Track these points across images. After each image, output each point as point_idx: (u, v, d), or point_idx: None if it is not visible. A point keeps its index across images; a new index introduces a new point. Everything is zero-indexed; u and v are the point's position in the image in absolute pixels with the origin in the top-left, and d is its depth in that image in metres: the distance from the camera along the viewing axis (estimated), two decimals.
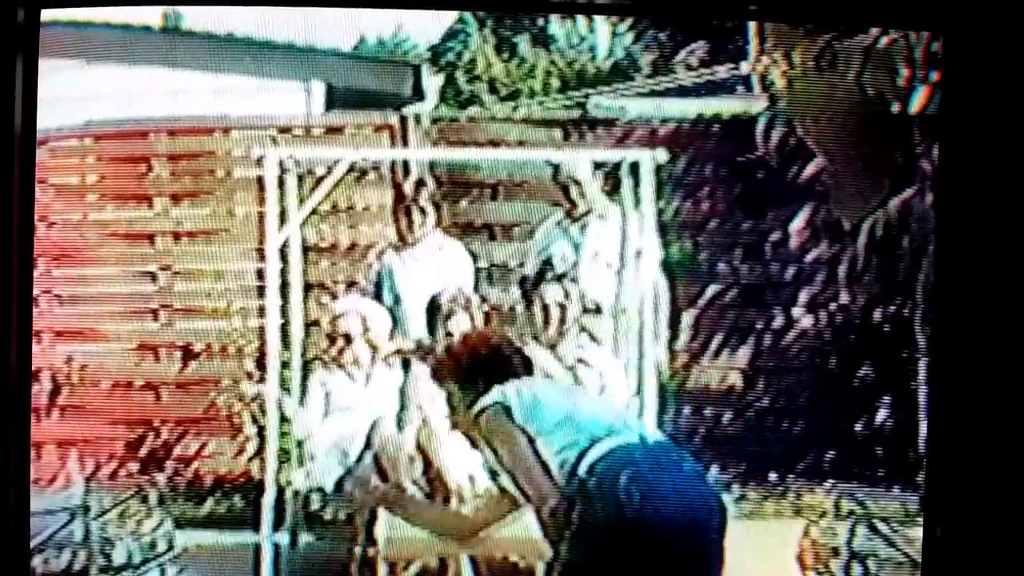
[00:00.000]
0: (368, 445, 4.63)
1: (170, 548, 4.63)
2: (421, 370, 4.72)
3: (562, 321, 4.78)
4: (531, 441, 3.52)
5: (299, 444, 4.74)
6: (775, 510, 4.83)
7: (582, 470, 3.43)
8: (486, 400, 3.60)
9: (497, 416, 3.57)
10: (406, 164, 5.05)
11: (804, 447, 4.87)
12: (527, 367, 3.81)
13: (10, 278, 4.17)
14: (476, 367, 3.73)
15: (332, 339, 4.75)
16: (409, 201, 4.95)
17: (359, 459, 4.63)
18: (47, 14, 4.29)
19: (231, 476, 4.87)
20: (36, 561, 4.48)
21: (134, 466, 4.81)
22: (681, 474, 3.47)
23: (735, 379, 5.02)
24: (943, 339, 4.36)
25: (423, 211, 4.94)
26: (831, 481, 4.78)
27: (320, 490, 4.67)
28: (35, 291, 4.79)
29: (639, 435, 3.52)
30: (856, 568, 4.60)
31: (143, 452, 4.85)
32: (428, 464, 4.62)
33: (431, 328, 4.76)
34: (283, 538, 4.65)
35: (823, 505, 4.75)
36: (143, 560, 4.60)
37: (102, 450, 4.80)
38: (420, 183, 4.99)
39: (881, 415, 4.84)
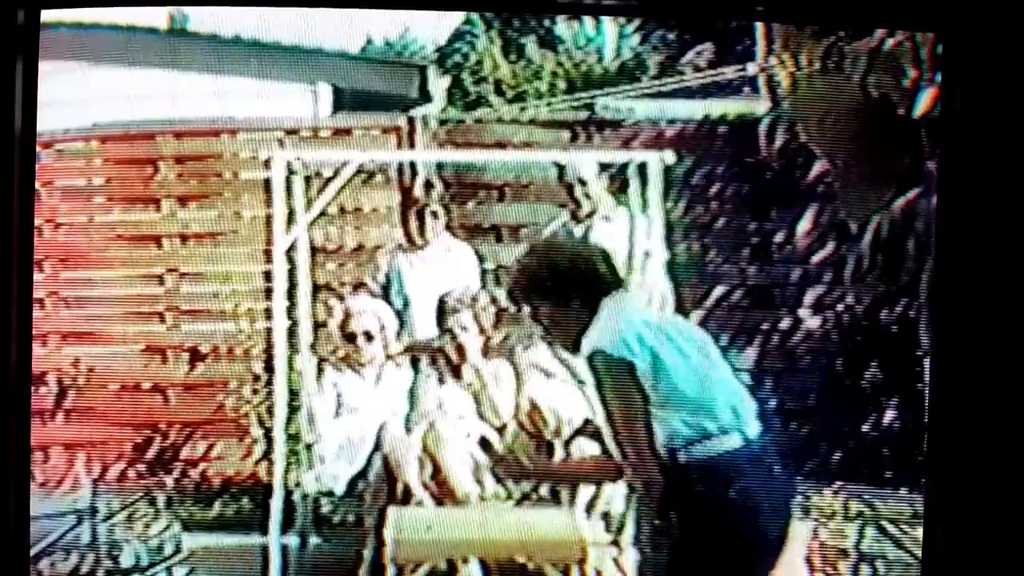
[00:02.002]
0: (377, 447, 4.63)
1: (178, 551, 4.63)
2: (430, 371, 4.73)
3: None
4: (646, 407, 3.38)
5: (308, 447, 4.74)
6: None
7: (683, 458, 3.36)
8: (605, 342, 3.40)
9: (619, 371, 3.37)
10: (413, 166, 5.05)
11: (812, 448, 4.87)
12: (616, 279, 3.59)
13: (10, 280, 4.17)
14: (561, 281, 3.52)
15: (351, 337, 4.74)
16: (420, 204, 4.95)
17: (368, 461, 4.62)
18: (50, 15, 4.28)
19: (239, 478, 4.87)
20: (43, 564, 4.48)
21: (142, 468, 4.80)
22: (773, 486, 3.46)
23: (741, 380, 5.01)
24: (947, 340, 4.36)
25: (435, 214, 4.94)
26: (839, 482, 4.78)
27: (330, 493, 4.66)
28: (42, 294, 4.82)
29: (745, 437, 3.41)
30: (865, 570, 4.60)
31: (151, 454, 4.84)
32: (436, 468, 4.62)
33: (440, 328, 4.75)
34: (291, 540, 4.65)
35: (832, 506, 4.75)
36: (151, 563, 4.60)
37: (109, 452, 4.79)
38: (429, 185, 4.98)
39: (889, 416, 4.85)
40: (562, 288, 3.51)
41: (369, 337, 4.74)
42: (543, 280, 3.53)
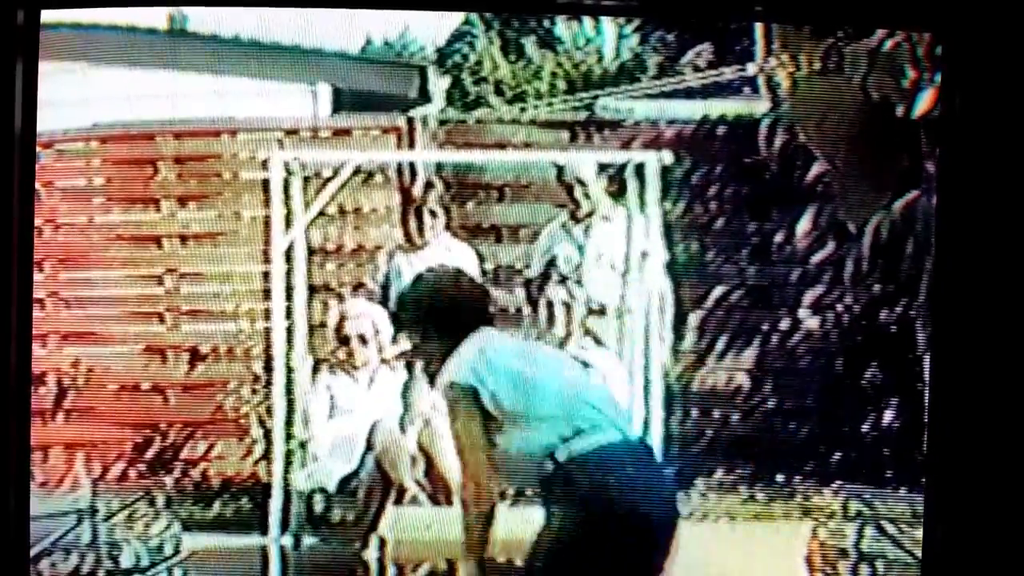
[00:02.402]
0: (369, 447, 4.62)
1: (178, 551, 4.63)
2: (424, 373, 4.73)
3: (566, 322, 4.78)
4: (499, 427, 3.53)
5: (302, 445, 4.74)
6: (783, 511, 4.84)
7: (562, 457, 3.50)
8: (458, 375, 3.56)
9: (466, 398, 3.54)
10: (413, 166, 5.05)
11: (811, 448, 4.87)
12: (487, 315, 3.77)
13: (10, 280, 4.17)
14: (439, 314, 3.68)
15: (345, 340, 4.75)
16: (419, 203, 4.95)
17: (361, 461, 4.62)
18: (50, 16, 4.29)
19: (238, 478, 4.87)
20: (43, 564, 4.48)
21: (142, 468, 4.81)
22: (652, 478, 3.62)
23: (741, 380, 5.02)
24: (947, 339, 4.36)
25: (433, 214, 4.94)
26: (839, 482, 4.78)
27: (323, 491, 4.66)
28: (42, 294, 4.81)
29: (622, 432, 3.59)
30: (864, 570, 4.60)
31: (150, 454, 4.84)
32: (430, 464, 4.62)
33: None
34: (290, 540, 4.65)
35: (831, 506, 4.75)
36: (151, 563, 4.60)
37: (109, 452, 4.79)
38: (429, 185, 4.99)
39: (888, 416, 4.85)
40: (435, 321, 3.66)
41: (363, 340, 4.74)
42: (419, 313, 3.71)
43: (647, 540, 3.53)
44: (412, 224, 4.95)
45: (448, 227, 4.98)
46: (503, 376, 3.56)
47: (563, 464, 3.49)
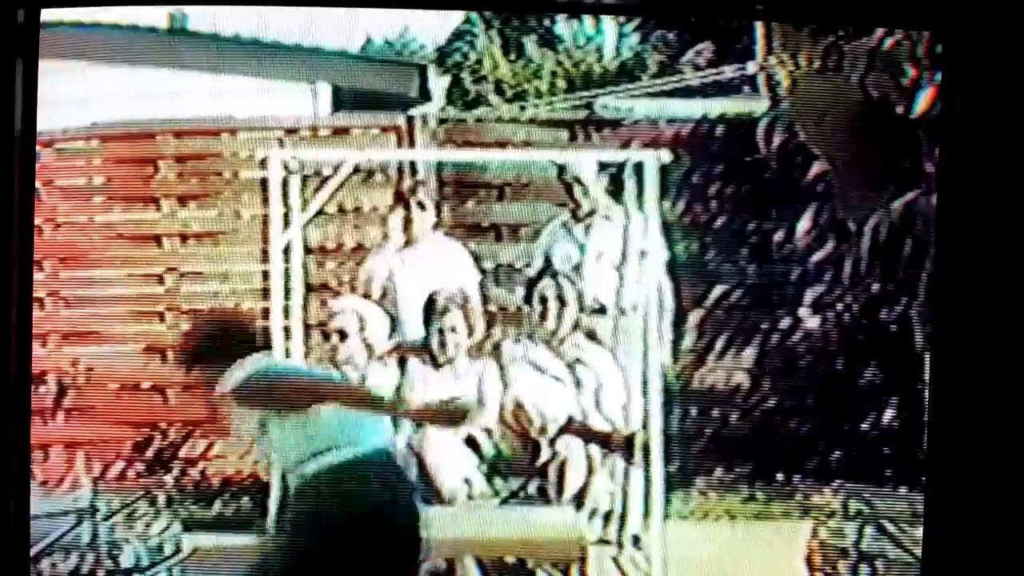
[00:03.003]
0: None
1: (178, 550, 4.62)
2: (418, 371, 4.73)
3: (563, 321, 4.78)
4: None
5: None
6: (783, 510, 4.84)
7: (310, 471, 3.68)
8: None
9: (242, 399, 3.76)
10: (413, 165, 5.05)
11: (811, 447, 4.87)
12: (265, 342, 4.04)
13: (10, 280, 4.17)
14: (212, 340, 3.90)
15: (327, 336, 4.75)
16: (407, 197, 4.93)
17: None
18: (50, 15, 4.29)
19: (238, 477, 4.86)
20: (43, 564, 4.48)
21: (141, 468, 4.81)
22: (398, 493, 3.81)
23: (741, 379, 5.02)
24: (947, 338, 4.36)
25: (422, 205, 4.92)
26: (839, 481, 4.79)
27: None
28: (42, 293, 4.82)
29: (374, 448, 3.77)
30: (864, 569, 4.61)
31: (150, 454, 4.85)
32: (422, 466, 4.62)
33: (427, 327, 4.75)
34: None
35: (831, 505, 4.75)
36: (151, 563, 4.60)
37: (109, 452, 4.80)
38: (419, 181, 4.97)
39: (888, 415, 4.85)
40: (215, 352, 3.83)
41: (343, 336, 4.72)
42: (200, 345, 3.91)
43: (391, 550, 3.68)
44: (400, 219, 4.92)
45: (439, 225, 4.97)
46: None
47: (299, 486, 3.69)
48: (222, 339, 3.88)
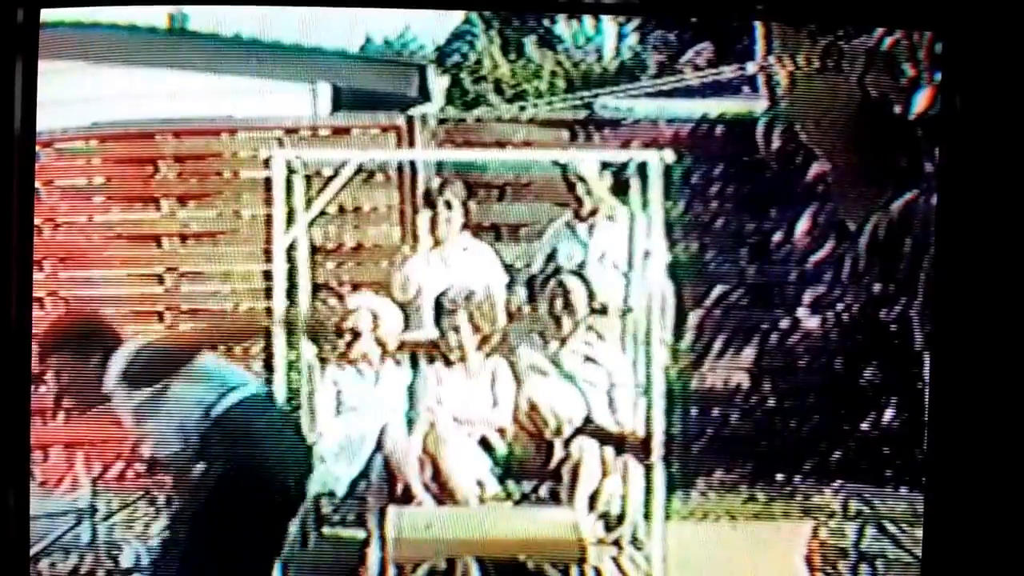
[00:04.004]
0: (379, 447, 4.61)
1: None
2: (430, 370, 4.72)
3: (568, 321, 4.78)
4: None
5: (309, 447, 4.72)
6: (784, 511, 4.84)
7: (217, 412, 3.88)
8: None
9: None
10: (413, 165, 5.05)
11: (811, 447, 4.87)
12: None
13: (10, 280, 4.17)
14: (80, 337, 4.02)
15: (340, 334, 4.73)
16: (435, 197, 4.91)
17: (369, 461, 4.61)
18: (50, 15, 4.28)
19: None
20: (43, 564, 4.48)
21: (141, 468, 4.80)
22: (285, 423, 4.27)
23: (741, 379, 5.02)
24: (947, 338, 4.37)
25: (448, 204, 4.88)
26: (839, 481, 4.79)
27: (331, 493, 4.64)
28: (41, 293, 4.80)
29: (259, 388, 4.13)
30: (864, 569, 4.61)
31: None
32: (436, 467, 4.61)
33: (438, 327, 4.75)
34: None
35: (831, 505, 4.76)
36: (151, 563, 4.59)
37: (109, 452, 4.79)
38: (445, 180, 4.95)
39: (888, 415, 4.85)
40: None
41: (356, 334, 4.71)
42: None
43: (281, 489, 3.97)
44: (427, 220, 4.90)
45: (466, 227, 4.94)
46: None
47: (218, 418, 3.89)
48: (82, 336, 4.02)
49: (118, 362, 3.92)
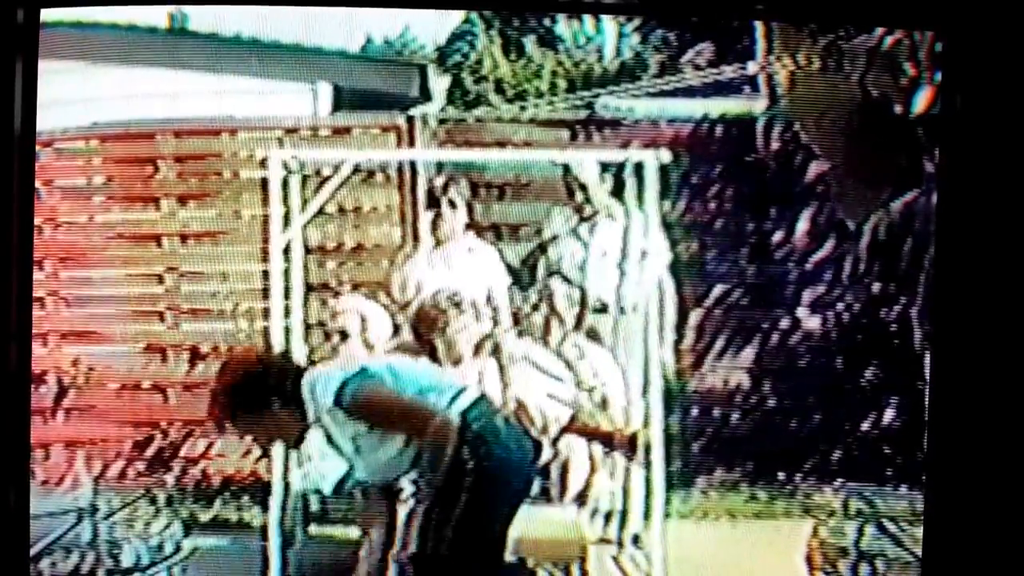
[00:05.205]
0: None
1: (178, 550, 4.63)
2: None
3: (565, 320, 4.79)
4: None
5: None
6: (784, 510, 4.84)
7: (455, 412, 3.86)
8: (338, 384, 3.89)
9: (367, 379, 3.92)
10: (414, 165, 5.05)
11: (812, 446, 4.88)
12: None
13: (10, 280, 4.18)
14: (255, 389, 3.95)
15: (328, 335, 4.75)
16: (439, 195, 4.91)
17: None
18: (50, 15, 4.29)
19: (239, 477, 4.87)
20: (43, 563, 4.49)
21: (142, 467, 4.81)
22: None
23: (741, 379, 5.02)
24: (947, 337, 4.37)
25: (452, 203, 4.89)
26: (839, 480, 4.79)
27: (317, 491, 4.64)
28: (41, 293, 4.82)
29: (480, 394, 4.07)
30: (864, 568, 4.61)
31: (150, 453, 4.85)
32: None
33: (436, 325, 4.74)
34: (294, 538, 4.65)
35: (831, 504, 4.76)
36: (151, 562, 4.60)
37: (110, 451, 4.80)
38: (449, 179, 4.95)
39: (888, 414, 4.85)
40: (258, 395, 3.93)
41: (344, 336, 4.73)
42: (239, 395, 3.96)
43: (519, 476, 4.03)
44: (429, 219, 4.90)
45: (470, 227, 4.95)
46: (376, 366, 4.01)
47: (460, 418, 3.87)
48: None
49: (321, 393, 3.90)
